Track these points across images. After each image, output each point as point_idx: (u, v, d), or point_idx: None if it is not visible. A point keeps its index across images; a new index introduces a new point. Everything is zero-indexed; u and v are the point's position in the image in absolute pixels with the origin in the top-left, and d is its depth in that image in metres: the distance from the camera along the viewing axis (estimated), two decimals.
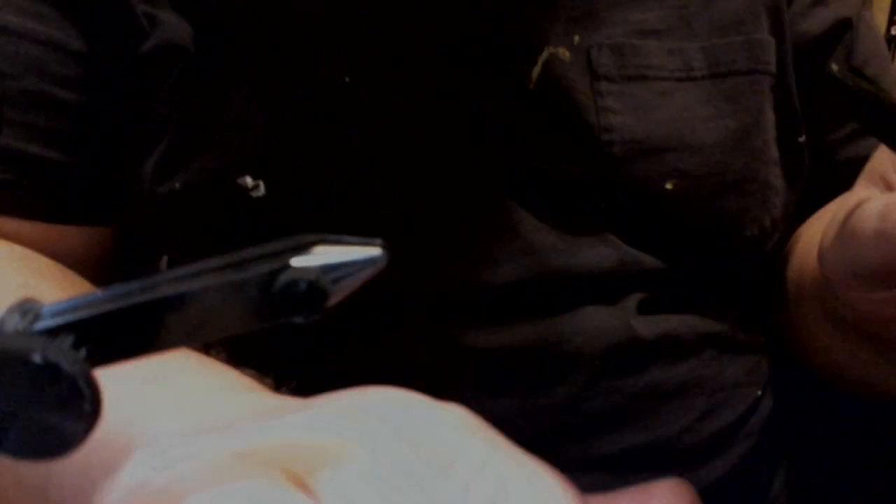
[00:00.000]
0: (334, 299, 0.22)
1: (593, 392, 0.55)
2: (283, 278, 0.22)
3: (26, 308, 0.22)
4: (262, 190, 0.54)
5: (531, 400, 0.55)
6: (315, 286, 0.22)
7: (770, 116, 0.59)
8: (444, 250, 0.55)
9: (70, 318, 0.22)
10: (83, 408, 0.21)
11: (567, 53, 0.56)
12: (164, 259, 0.55)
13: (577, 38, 0.56)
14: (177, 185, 0.54)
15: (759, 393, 0.60)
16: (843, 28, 0.63)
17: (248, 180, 0.54)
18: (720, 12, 0.59)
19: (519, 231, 0.55)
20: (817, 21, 0.63)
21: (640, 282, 0.56)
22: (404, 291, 0.54)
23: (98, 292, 0.22)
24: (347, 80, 0.54)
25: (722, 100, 0.58)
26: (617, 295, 0.56)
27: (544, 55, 0.55)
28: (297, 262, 0.22)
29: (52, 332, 0.22)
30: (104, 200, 0.58)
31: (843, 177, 0.52)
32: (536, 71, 0.55)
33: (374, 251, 0.23)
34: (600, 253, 0.56)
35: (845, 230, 0.46)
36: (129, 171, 0.57)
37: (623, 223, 0.56)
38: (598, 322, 0.55)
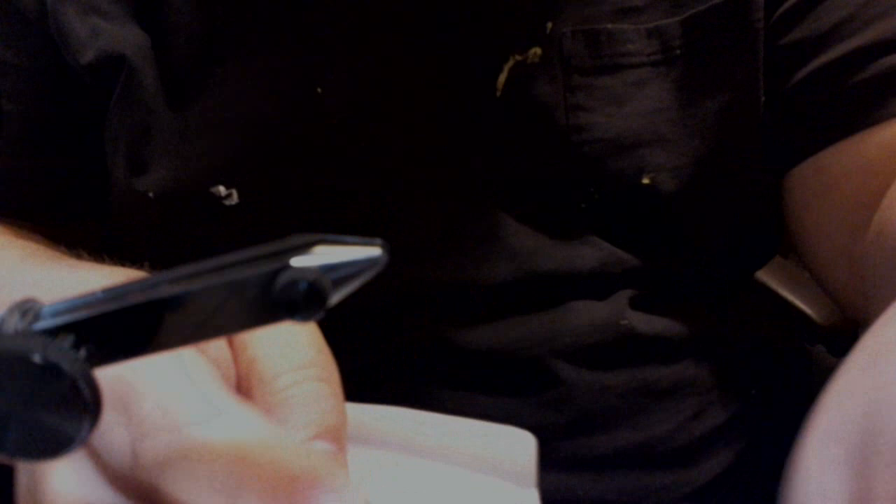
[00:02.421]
0: (334, 299, 0.22)
1: (584, 391, 0.55)
2: (283, 278, 0.22)
3: (26, 308, 0.22)
4: (235, 198, 0.54)
5: (521, 399, 0.55)
6: (315, 286, 0.22)
7: (760, 84, 0.57)
8: (423, 256, 0.55)
9: (70, 318, 0.22)
10: (83, 408, 0.21)
11: (538, 51, 0.55)
12: (146, 265, 0.56)
13: (549, 25, 0.55)
14: (150, 194, 0.55)
15: (754, 392, 0.60)
16: None
17: (222, 189, 0.54)
18: None
19: (501, 235, 0.55)
20: None
21: (627, 280, 0.56)
22: (389, 295, 0.54)
23: (98, 292, 0.22)
24: (319, 90, 0.54)
25: (702, 78, 0.56)
26: (605, 293, 0.56)
27: (510, 62, 0.55)
28: (297, 262, 0.22)
29: (52, 332, 0.22)
30: (69, 204, 0.60)
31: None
32: (502, 79, 0.55)
33: (373, 251, 0.23)
34: (583, 253, 0.56)
35: None
36: (95, 174, 0.58)
37: (604, 222, 0.56)
38: (587, 320, 0.55)
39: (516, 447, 0.37)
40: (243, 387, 0.34)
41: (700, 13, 0.55)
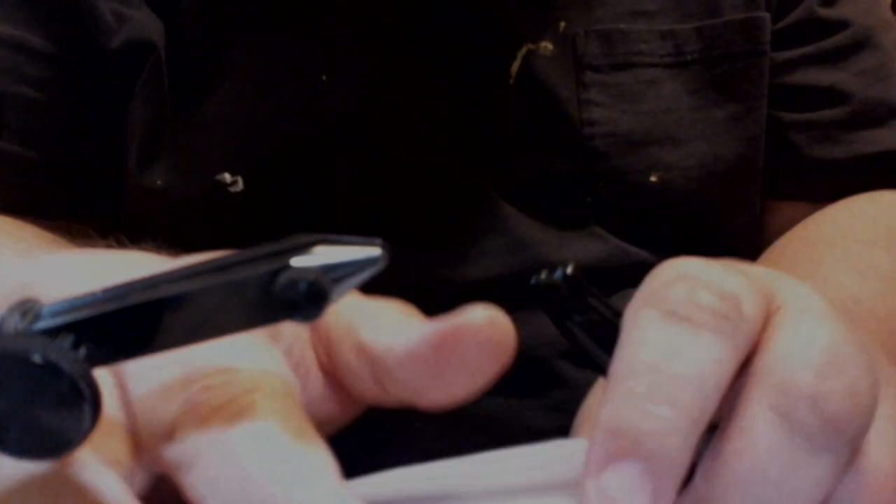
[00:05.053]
0: (334, 299, 0.22)
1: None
2: (283, 278, 0.22)
3: (26, 308, 0.22)
4: (240, 185, 0.54)
5: (527, 401, 0.55)
6: (315, 286, 0.22)
7: (765, 102, 0.59)
8: (428, 246, 0.55)
9: (70, 318, 0.22)
10: (83, 408, 0.21)
11: (550, 46, 0.55)
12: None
13: (563, 24, 0.55)
14: (159, 182, 0.55)
15: None
16: None
17: (227, 176, 0.54)
18: None
19: (506, 226, 0.55)
20: None
21: (632, 276, 0.56)
22: (389, 288, 0.54)
23: (98, 292, 0.22)
24: (324, 77, 0.54)
25: (712, 87, 0.57)
26: (609, 290, 0.56)
27: (523, 50, 0.55)
28: (297, 262, 0.22)
29: (52, 332, 0.22)
30: (86, 195, 0.60)
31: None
32: (515, 66, 0.55)
33: (374, 251, 0.23)
34: (588, 246, 0.56)
35: None
36: (111, 165, 0.58)
37: (610, 216, 0.56)
38: None
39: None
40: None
41: (714, 25, 0.56)
